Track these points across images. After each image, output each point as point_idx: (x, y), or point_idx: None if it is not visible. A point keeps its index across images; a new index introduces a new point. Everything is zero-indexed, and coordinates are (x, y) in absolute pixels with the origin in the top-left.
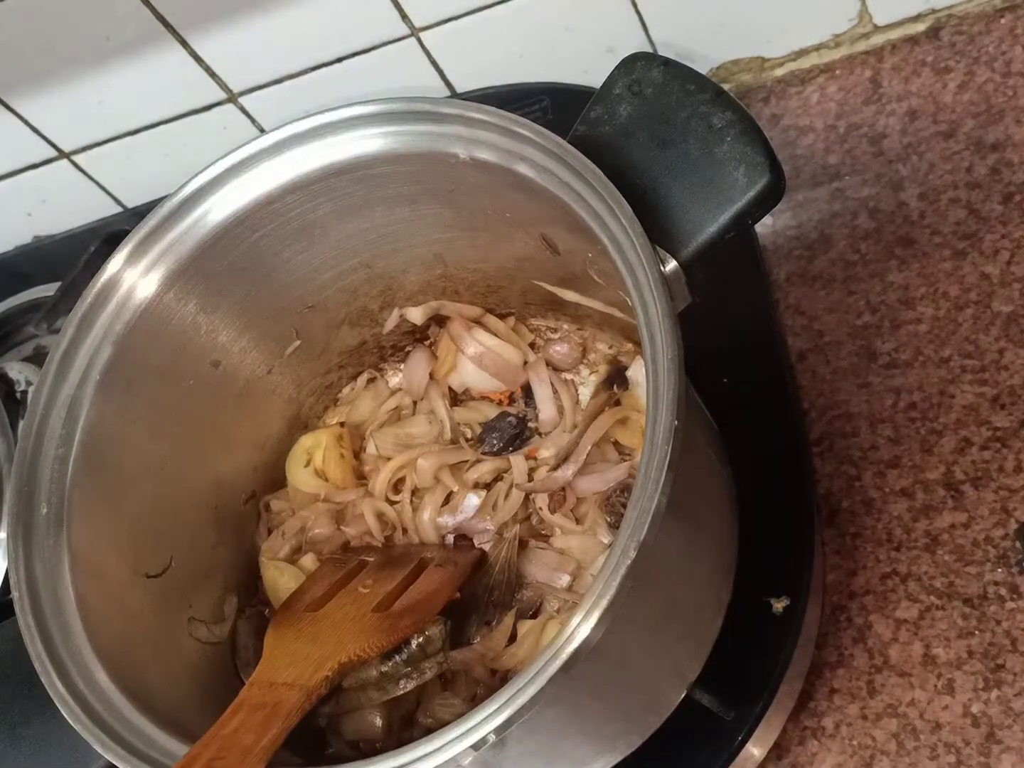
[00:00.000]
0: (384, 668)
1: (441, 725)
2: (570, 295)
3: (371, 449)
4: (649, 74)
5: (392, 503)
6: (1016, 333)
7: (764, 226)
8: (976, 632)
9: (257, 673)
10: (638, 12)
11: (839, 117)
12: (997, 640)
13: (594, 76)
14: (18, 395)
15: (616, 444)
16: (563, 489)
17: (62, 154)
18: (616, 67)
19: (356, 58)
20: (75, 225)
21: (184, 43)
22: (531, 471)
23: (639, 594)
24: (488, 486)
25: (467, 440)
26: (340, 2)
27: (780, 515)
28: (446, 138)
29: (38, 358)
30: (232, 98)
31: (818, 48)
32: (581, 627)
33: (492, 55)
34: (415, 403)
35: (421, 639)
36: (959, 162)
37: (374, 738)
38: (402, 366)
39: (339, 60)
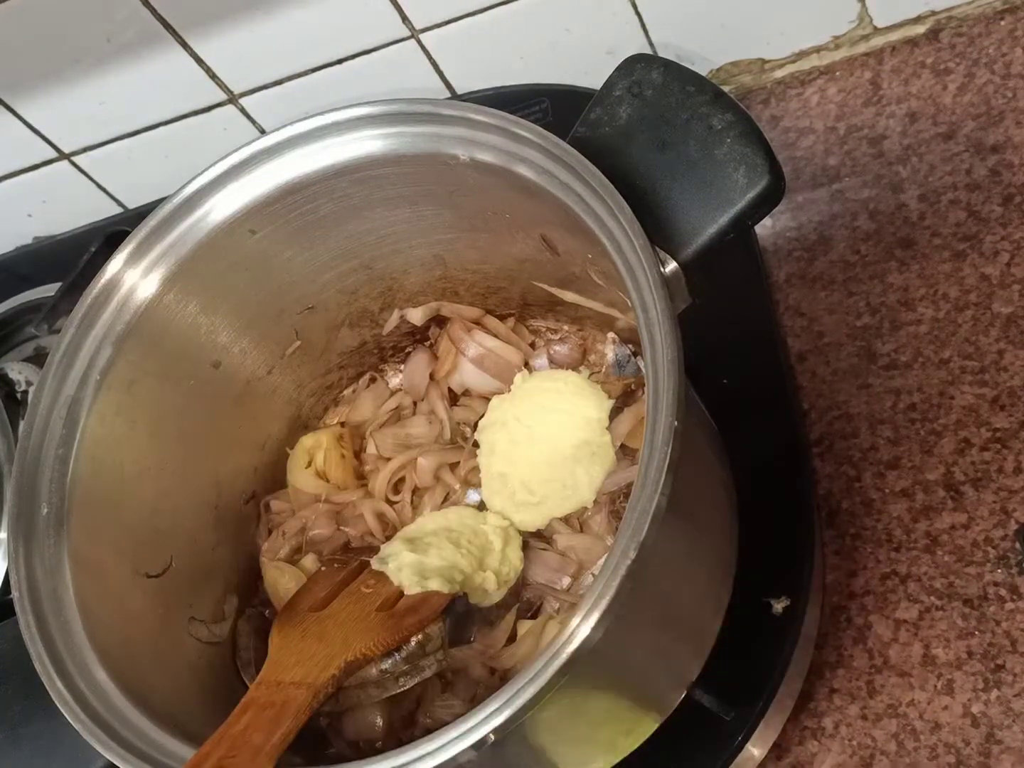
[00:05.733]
0: (384, 666)
1: (441, 725)
2: (570, 296)
3: (371, 449)
4: (649, 76)
5: (392, 503)
6: (1016, 334)
7: (764, 227)
8: (976, 632)
9: (264, 673)
10: (638, 14)
11: (839, 119)
12: (997, 640)
13: (594, 78)
14: (18, 395)
15: (623, 447)
16: None
17: (62, 155)
18: (616, 69)
19: (356, 59)
20: (75, 226)
21: (185, 44)
22: None
23: (639, 594)
24: None
25: (466, 440)
26: (340, 4)
27: (780, 515)
28: (446, 140)
29: (38, 358)
30: (233, 99)
31: (818, 50)
32: (581, 627)
33: (492, 57)
34: (415, 404)
35: (420, 636)
36: (959, 164)
37: (374, 738)
38: (402, 367)
39: (340, 61)
